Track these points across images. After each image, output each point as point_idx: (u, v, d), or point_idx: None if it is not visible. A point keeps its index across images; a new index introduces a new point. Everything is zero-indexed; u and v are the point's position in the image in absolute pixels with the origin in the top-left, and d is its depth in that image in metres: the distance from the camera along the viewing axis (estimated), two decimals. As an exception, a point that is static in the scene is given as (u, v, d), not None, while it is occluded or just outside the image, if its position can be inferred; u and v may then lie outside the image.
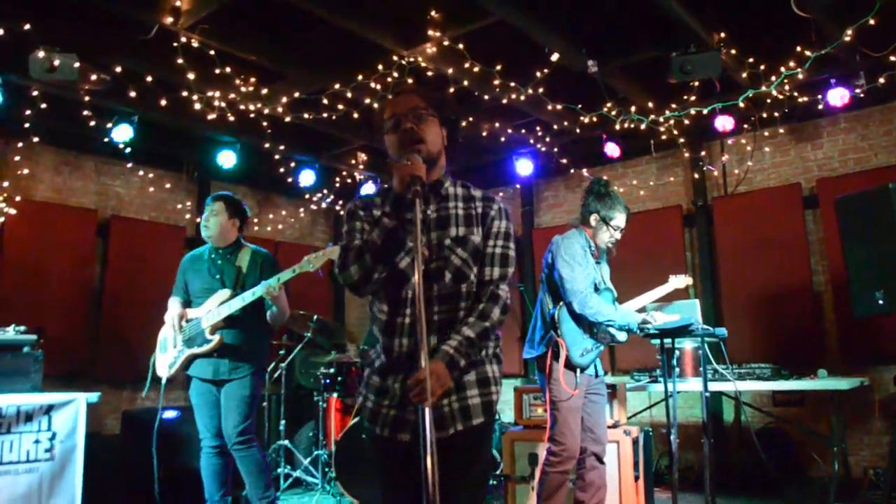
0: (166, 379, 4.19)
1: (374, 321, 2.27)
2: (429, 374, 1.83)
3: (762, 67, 5.27)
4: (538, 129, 6.66)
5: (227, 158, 6.52)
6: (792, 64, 5.15)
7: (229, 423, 4.04)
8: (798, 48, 5.06)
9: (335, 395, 5.91)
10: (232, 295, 4.07)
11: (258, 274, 4.11)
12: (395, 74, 5.18)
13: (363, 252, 2.12)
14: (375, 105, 5.57)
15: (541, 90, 5.51)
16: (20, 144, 5.94)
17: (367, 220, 2.25)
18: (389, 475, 2.19)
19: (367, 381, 2.27)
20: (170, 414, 5.46)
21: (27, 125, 5.37)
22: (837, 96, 5.42)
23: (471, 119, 6.37)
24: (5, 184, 5.93)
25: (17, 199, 5.95)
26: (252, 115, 5.87)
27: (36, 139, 5.60)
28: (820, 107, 5.61)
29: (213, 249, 4.29)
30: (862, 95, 5.34)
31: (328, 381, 5.88)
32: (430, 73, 5.27)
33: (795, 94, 5.51)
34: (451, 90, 5.28)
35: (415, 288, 2.09)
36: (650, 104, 5.99)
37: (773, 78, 5.29)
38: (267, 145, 6.42)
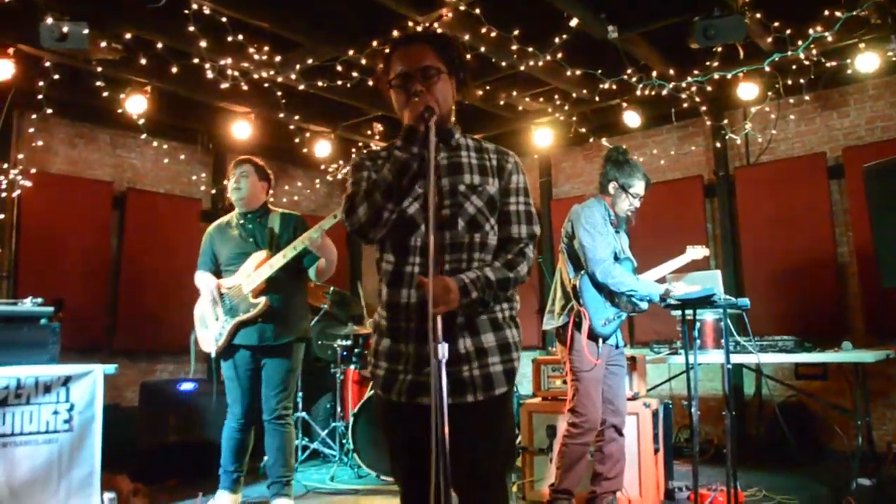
0: (216, 354, 4.04)
1: (379, 273, 2.15)
2: (432, 284, 1.73)
3: (788, 32, 5.10)
4: (556, 97, 6.53)
5: (241, 129, 6.46)
6: (819, 28, 4.98)
7: (271, 397, 3.98)
8: (826, 12, 4.89)
9: (352, 367, 5.91)
10: (269, 255, 3.94)
11: (291, 234, 3.98)
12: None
13: (372, 191, 2.00)
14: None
15: (559, 56, 5.38)
16: (34, 116, 5.91)
17: (374, 170, 2.13)
18: (404, 441, 2.06)
19: (376, 349, 2.14)
20: (187, 386, 5.49)
21: (40, 97, 5.33)
22: (866, 61, 5.24)
23: (487, 88, 6.26)
24: (20, 156, 5.92)
25: (33, 171, 5.94)
26: (266, 85, 5.80)
27: (49, 111, 5.56)
28: (849, 71, 5.44)
29: (240, 215, 4.17)
30: (894, 59, 5.17)
31: (345, 353, 5.87)
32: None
33: (822, 59, 5.34)
34: (468, 57, 5.15)
35: (423, 237, 2.02)
36: (671, 71, 5.84)
37: (800, 43, 5.12)
38: (281, 115, 6.35)
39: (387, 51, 2.18)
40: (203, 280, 4.11)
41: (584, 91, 6.20)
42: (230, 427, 4.06)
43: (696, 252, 4.63)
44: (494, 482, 2.08)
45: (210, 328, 4.07)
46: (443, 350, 1.73)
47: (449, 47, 2.17)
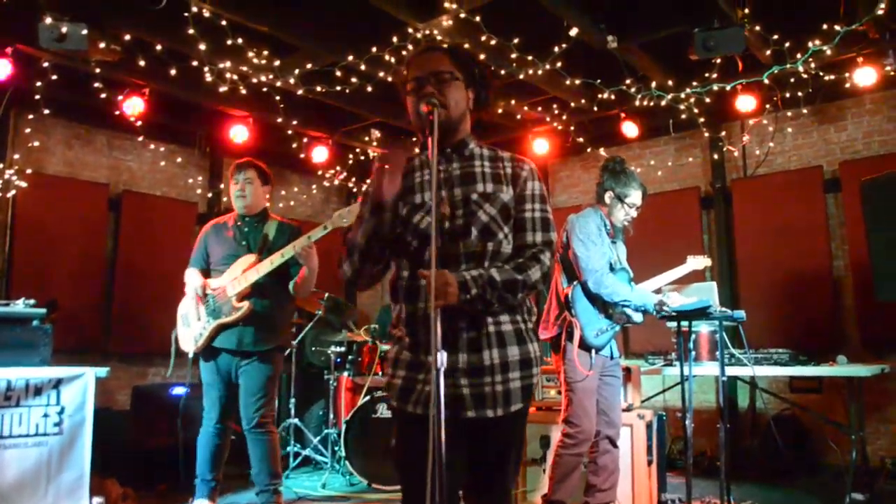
0: (193, 353, 4.03)
1: (396, 292, 2.13)
2: (434, 277, 1.79)
3: (787, 44, 5.11)
4: (555, 107, 6.54)
5: (239, 133, 6.44)
6: (818, 41, 4.99)
7: (250, 405, 3.92)
8: (825, 25, 4.91)
9: (346, 373, 5.87)
10: (258, 260, 3.93)
11: (285, 243, 3.96)
12: (410, 47, 5.08)
13: (352, 251, 2.07)
14: (390, 79, 5.48)
15: (558, 64, 5.38)
16: (31, 116, 5.90)
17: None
18: (418, 453, 1.91)
19: (397, 358, 2.11)
20: (179, 390, 5.45)
21: (38, 97, 5.31)
22: (864, 76, 5.26)
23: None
24: (16, 156, 5.89)
25: (29, 171, 5.91)
26: (264, 89, 5.79)
27: (47, 111, 5.54)
28: (847, 85, 5.45)
29: (239, 217, 4.15)
30: (893, 73, 5.18)
31: (339, 359, 5.84)
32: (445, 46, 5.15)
33: (820, 72, 5.35)
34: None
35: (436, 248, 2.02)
36: (670, 82, 5.85)
37: (798, 56, 5.14)
38: (279, 120, 6.34)
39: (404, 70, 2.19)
40: (191, 278, 4.08)
41: (583, 101, 6.20)
42: (207, 432, 3.99)
43: (697, 262, 4.60)
44: (502, 497, 2.08)
45: (191, 327, 4.06)
46: (442, 357, 1.74)
47: (467, 59, 2.17)
